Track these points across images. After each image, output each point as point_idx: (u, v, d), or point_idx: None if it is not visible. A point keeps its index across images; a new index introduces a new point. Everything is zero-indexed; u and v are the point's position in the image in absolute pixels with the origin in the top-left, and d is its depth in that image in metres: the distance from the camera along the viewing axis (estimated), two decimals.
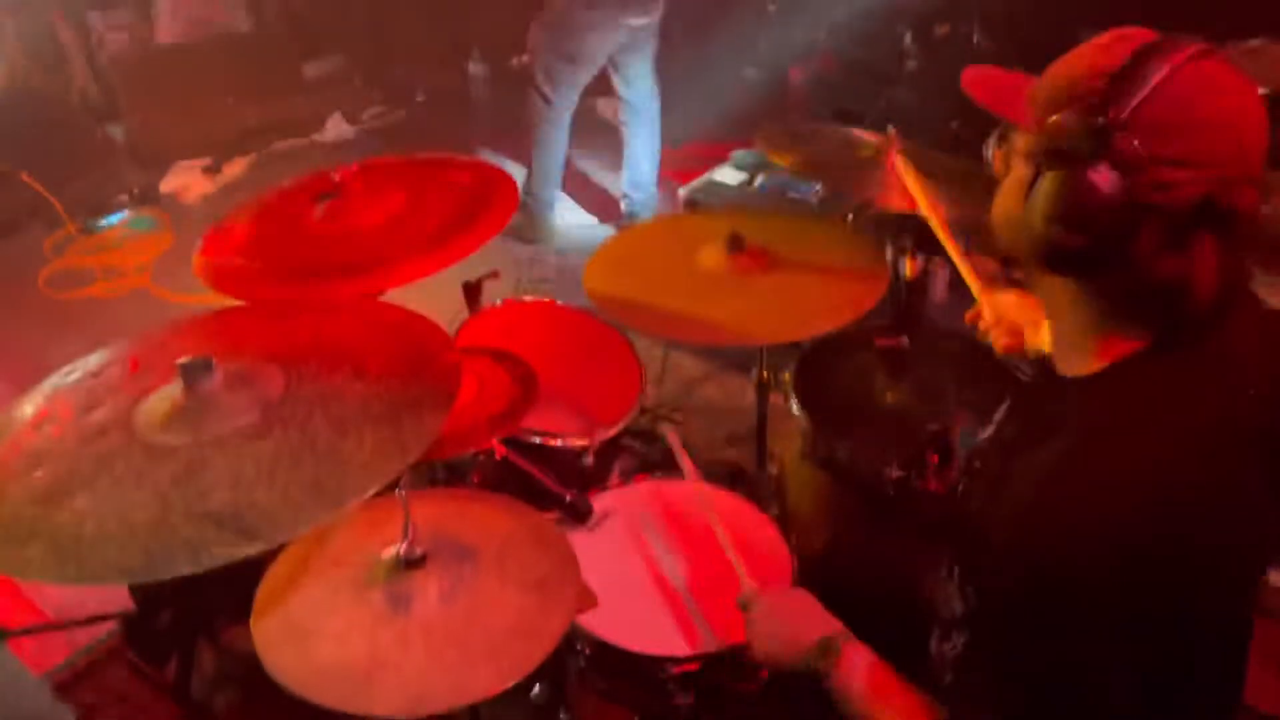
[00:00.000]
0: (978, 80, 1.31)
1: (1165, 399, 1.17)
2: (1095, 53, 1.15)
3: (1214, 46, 1.12)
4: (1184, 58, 1.10)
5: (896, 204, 2.19)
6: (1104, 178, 1.10)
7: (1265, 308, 1.31)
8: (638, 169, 4.48)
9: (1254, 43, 3.31)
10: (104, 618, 2.43)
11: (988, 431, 1.46)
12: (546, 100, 4.20)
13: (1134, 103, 1.10)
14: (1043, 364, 1.34)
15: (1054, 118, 1.15)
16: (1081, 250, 1.15)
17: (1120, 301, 1.19)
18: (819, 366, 2.36)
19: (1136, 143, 1.09)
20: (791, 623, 1.52)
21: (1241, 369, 1.20)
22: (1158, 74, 1.09)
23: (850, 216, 2.95)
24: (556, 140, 4.30)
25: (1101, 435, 1.16)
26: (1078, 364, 1.24)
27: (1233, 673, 1.35)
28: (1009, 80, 1.28)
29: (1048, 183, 1.16)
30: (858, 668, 1.39)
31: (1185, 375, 1.17)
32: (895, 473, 2.06)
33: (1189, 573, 1.13)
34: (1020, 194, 1.20)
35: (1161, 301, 1.15)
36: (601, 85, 4.90)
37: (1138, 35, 1.15)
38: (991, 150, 1.31)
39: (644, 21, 4.08)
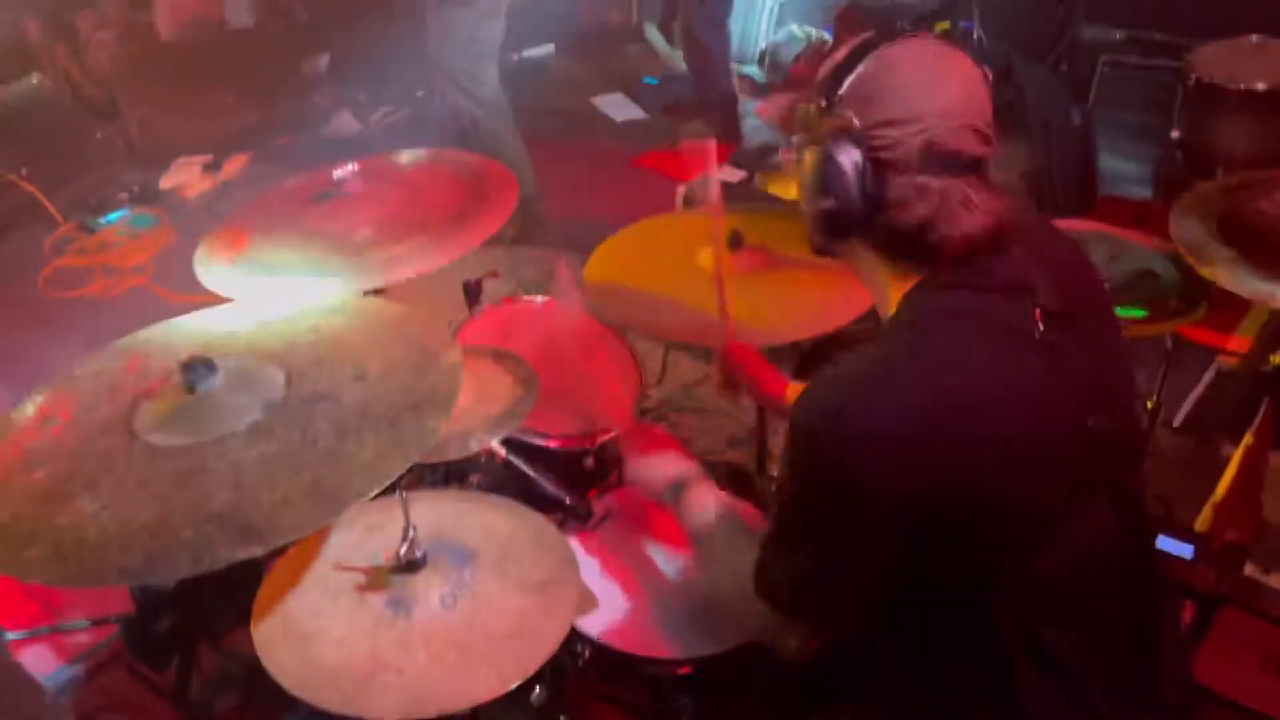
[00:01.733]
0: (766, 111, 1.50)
1: (953, 312, 1.31)
2: (836, 52, 1.37)
3: (925, 33, 1.36)
4: (888, 43, 1.32)
5: None
6: (841, 147, 1.29)
7: (1056, 232, 1.51)
8: None
9: (1254, 39, 3.32)
10: (104, 621, 2.43)
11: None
12: (481, 104, 4.17)
13: (845, 83, 1.32)
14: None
15: (798, 108, 1.38)
16: (844, 212, 1.31)
17: (893, 248, 1.34)
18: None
19: (852, 114, 1.29)
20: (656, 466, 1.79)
21: (1026, 286, 1.32)
22: (864, 58, 1.32)
23: None
24: (514, 134, 4.27)
25: (894, 345, 1.32)
26: (886, 308, 1.38)
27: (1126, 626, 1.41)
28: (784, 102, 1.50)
29: (806, 162, 1.35)
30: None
31: (972, 291, 1.31)
32: None
33: (1004, 478, 1.25)
34: (800, 180, 1.39)
35: (920, 240, 1.30)
36: (601, 85, 4.93)
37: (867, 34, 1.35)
38: (787, 159, 1.46)
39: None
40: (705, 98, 5.09)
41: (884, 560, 1.29)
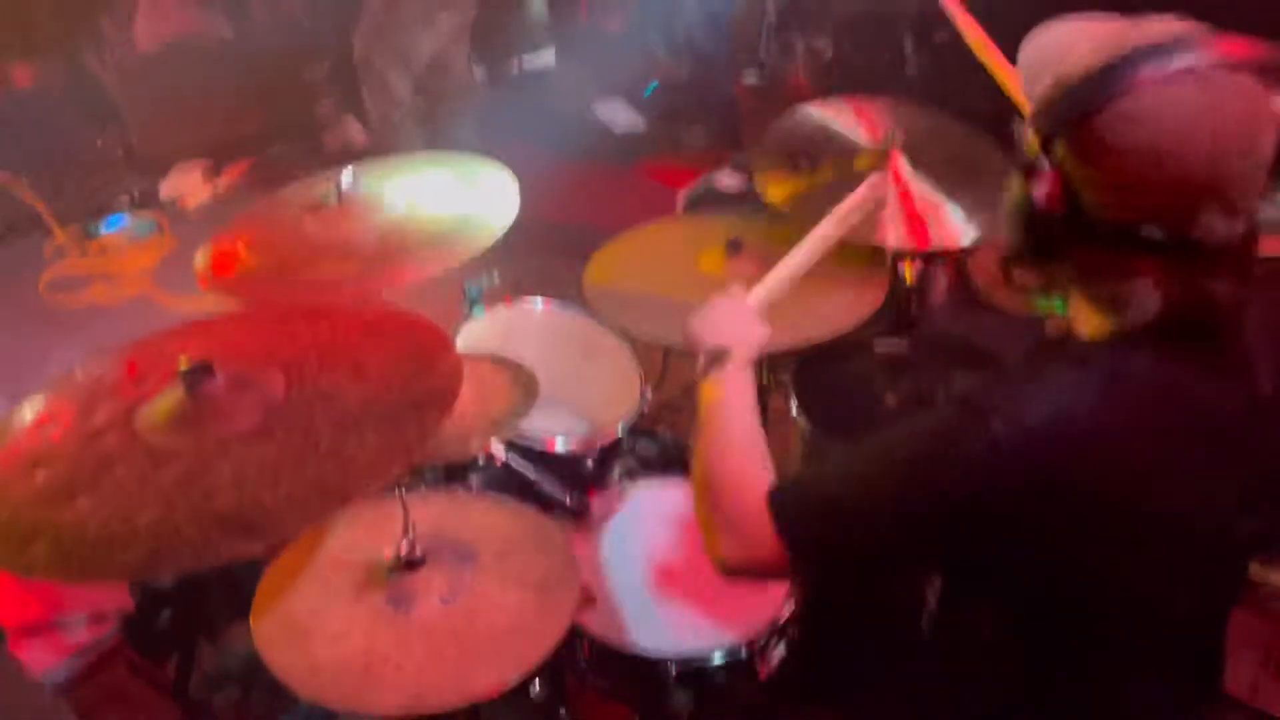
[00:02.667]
0: (1025, 55, 1.28)
1: (1152, 375, 1.17)
2: (1088, 52, 1.13)
3: (1228, 64, 1.08)
4: (1148, 78, 1.07)
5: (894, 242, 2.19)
6: (1044, 189, 1.14)
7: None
8: None
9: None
10: (104, 617, 2.43)
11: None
12: (396, 105, 4.17)
13: (1082, 118, 1.10)
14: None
15: (1026, 118, 1.18)
16: (1034, 249, 1.19)
17: (1088, 298, 1.21)
18: (818, 370, 2.36)
19: (1073, 159, 1.11)
20: (733, 315, 1.64)
21: (1241, 371, 1.20)
22: (1115, 90, 1.08)
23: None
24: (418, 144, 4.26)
25: (1087, 388, 1.18)
26: (1082, 327, 1.25)
27: (1193, 665, 1.35)
28: (1045, 57, 1.24)
29: (1012, 183, 1.20)
30: (733, 384, 1.50)
31: (1175, 371, 1.17)
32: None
33: (1125, 548, 1.16)
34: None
35: (1105, 308, 1.18)
36: (600, 87, 4.93)
37: (1134, 37, 1.12)
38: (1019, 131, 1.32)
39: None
40: (706, 104, 5.10)
41: (918, 540, 1.20)
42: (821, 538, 1.26)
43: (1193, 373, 1.17)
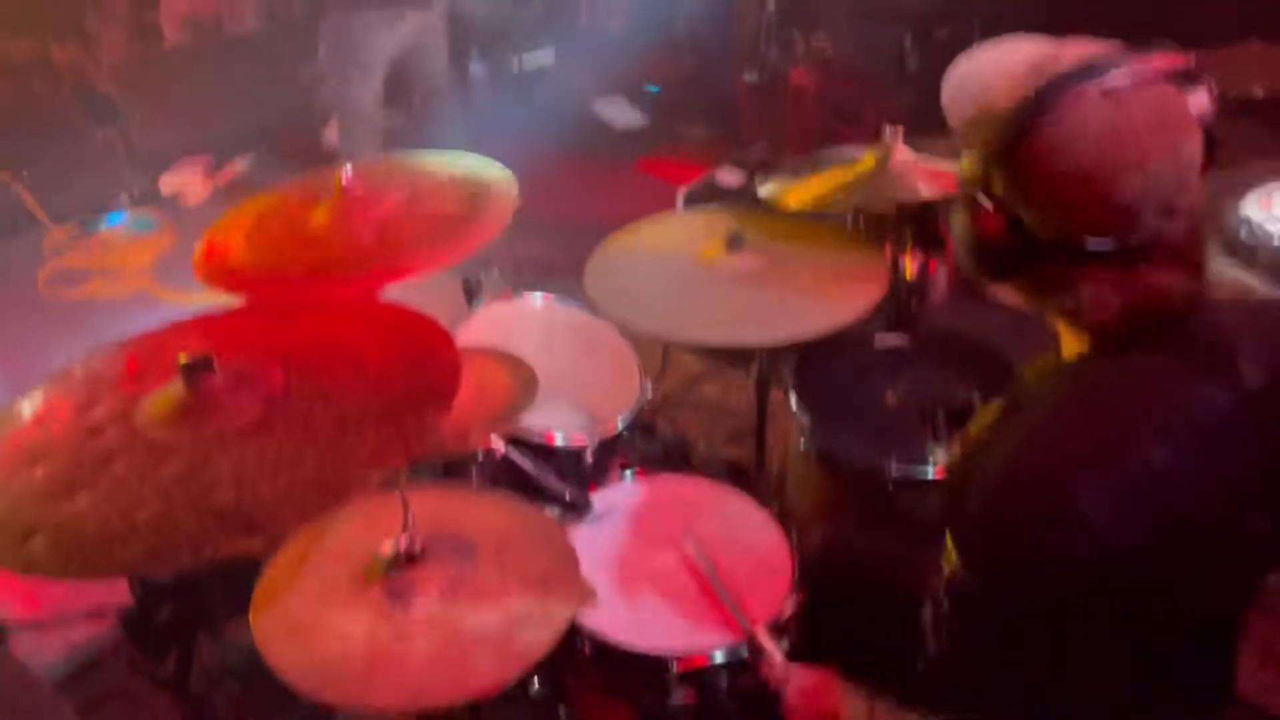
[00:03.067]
0: (951, 94, 1.32)
1: (1139, 383, 1.20)
2: (1007, 83, 1.18)
3: (1149, 75, 1.14)
4: (1070, 101, 1.13)
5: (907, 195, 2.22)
6: (982, 220, 1.20)
7: (1260, 306, 1.34)
8: None
9: (1250, 45, 3.32)
10: (103, 613, 2.43)
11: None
12: (350, 114, 4.15)
13: (1012, 148, 1.15)
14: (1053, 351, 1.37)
15: (964, 155, 1.23)
16: (986, 273, 1.24)
17: (1048, 313, 1.26)
18: (818, 364, 2.36)
19: (1010, 186, 1.17)
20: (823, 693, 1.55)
21: (1221, 367, 1.21)
22: (1039, 119, 1.13)
23: (850, 217, 2.95)
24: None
25: (1080, 415, 1.21)
26: (1067, 345, 1.29)
27: (1220, 665, 1.34)
28: (969, 96, 1.29)
29: (956, 215, 1.26)
30: None
31: (1153, 372, 1.20)
32: (894, 469, 2.07)
33: (1152, 563, 1.16)
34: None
35: (1068, 320, 1.23)
36: (600, 86, 4.93)
37: (1059, 61, 1.17)
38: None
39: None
40: (706, 101, 5.10)
41: None
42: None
43: (1178, 371, 1.20)
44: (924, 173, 2.25)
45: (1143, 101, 1.13)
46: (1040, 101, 1.13)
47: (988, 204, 1.19)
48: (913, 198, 2.23)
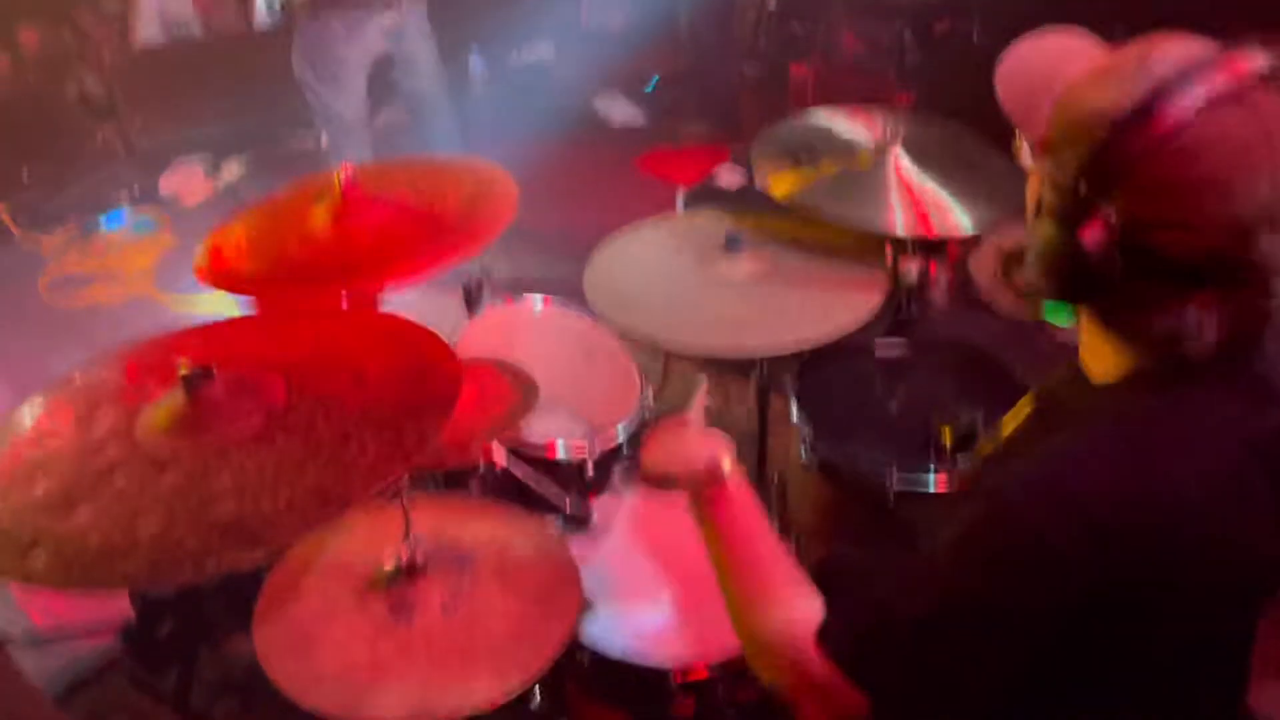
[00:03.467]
0: (1007, 76, 1.27)
1: (1187, 410, 1.15)
2: (1113, 85, 1.10)
3: (1255, 79, 1.06)
4: (1199, 103, 1.04)
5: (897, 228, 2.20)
6: (1092, 236, 1.08)
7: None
8: None
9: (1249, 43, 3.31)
10: (105, 627, 2.43)
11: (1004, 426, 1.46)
12: (329, 120, 4.11)
13: (1132, 158, 1.06)
14: (1063, 371, 1.33)
15: (1057, 158, 1.13)
16: (1076, 296, 1.16)
17: (1126, 338, 1.18)
18: (819, 372, 2.36)
19: (1128, 202, 1.06)
20: (689, 439, 1.50)
21: (1266, 390, 1.17)
22: (1163, 124, 1.04)
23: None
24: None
25: (1110, 435, 1.15)
26: (1100, 369, 1.23)
27: (1230, 691, 1.34)
28: (1033, 84, 1.23)
29: (1044, 227, 1.15)
30: (737, 505, 1.39)
31: (1206, 390, 1.15)
32: (895, 478, 2.07)
33: (1180, 591, 1.14)
34: (1031, 217, 1.20)
35: (1158, 346, 1.14)
36: (600, 85, 4.91)
37: (1165, 62, 1.08)
38: (1016, 144, 1.30)
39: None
40: (706, 96, 5.09)
41: (1031, 630, 1.13)
42: (900, 666, 1.17)
43: (1229, 402, 1.15)
44: (915, 200, 2.22)
45: (1265, 106, 1.05)
46: (1163, 106, 1.04)
47: (1097, 219, 1.08)
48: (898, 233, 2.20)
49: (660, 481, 1.50)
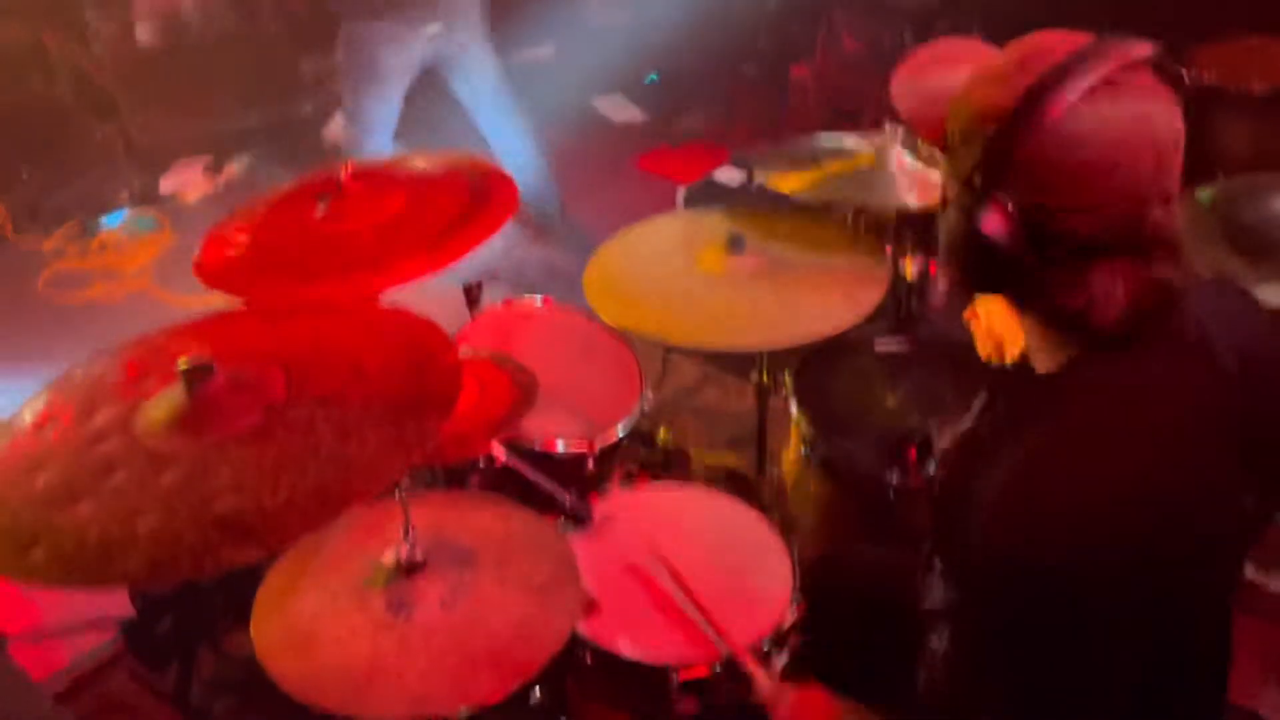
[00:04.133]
0: (901, 89, 1.38)
1: (1131, 393, 1.20)
2: (997, 83, 1.16)
3: (1123, 62, 1.12)
4: (1077, 94, 1.10)
5: (901, 203, 2.22)
6: (992, 224, 1.14)
7: (1218, 287, 1.39)
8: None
9: (1249, 41, 3.31)
10: (104, 624, 2.42)
11: (964, 425, 1.48)
12: (356, 124, 4.09)
13: (1020, 151, 1.12)
14: (1020, 360, 1.36)
15: (952, 156, 1.20)
16: (983, 284, 1.21)
17: (1049, 322, 1.23)
18: (819, 369, 2.36)
19: (1021, 191, 1.12)
20: (811, 711, 1.55)
21: (1203, 353, 1.22)
22: (1046, 116, 1.10)
23: (850, 218, 2.95)
24: None
25: (1074, 431, 1.19)
26: (1042, 361, 1.28)
27: (1216, 665, 1.35)
28: (928, 90, 1.31)
29: (949, 219, 1.22)
30: None
31: (1146, 368, 1.20)
32: (895, 477, 2.07)
33: (1163, 561, 1.15)
34: (940, 214, 1.26)
35: (1072, 321, 1.19)
36: (600, 83, 4.90)
37: (1042, 57, 1.14)
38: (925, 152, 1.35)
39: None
40: (706, 95, 5.09)
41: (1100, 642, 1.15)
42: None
43: (1164, 366, 1.20)
44: (921, 182, 2.25)
45: (1140, 89, 1.12)
46: (1046, 97, 1.10)
47: (996, 210, 1.14)
48: (909, 206, 2.22)
49: None
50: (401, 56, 3.94)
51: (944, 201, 1.25)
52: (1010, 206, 1.13)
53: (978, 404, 1.48)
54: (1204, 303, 1.26)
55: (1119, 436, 1.17)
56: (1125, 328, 1.17)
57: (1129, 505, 1.13)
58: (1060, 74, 1.11)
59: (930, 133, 1.28)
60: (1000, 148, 1.13)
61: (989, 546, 1.17)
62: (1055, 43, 1.16)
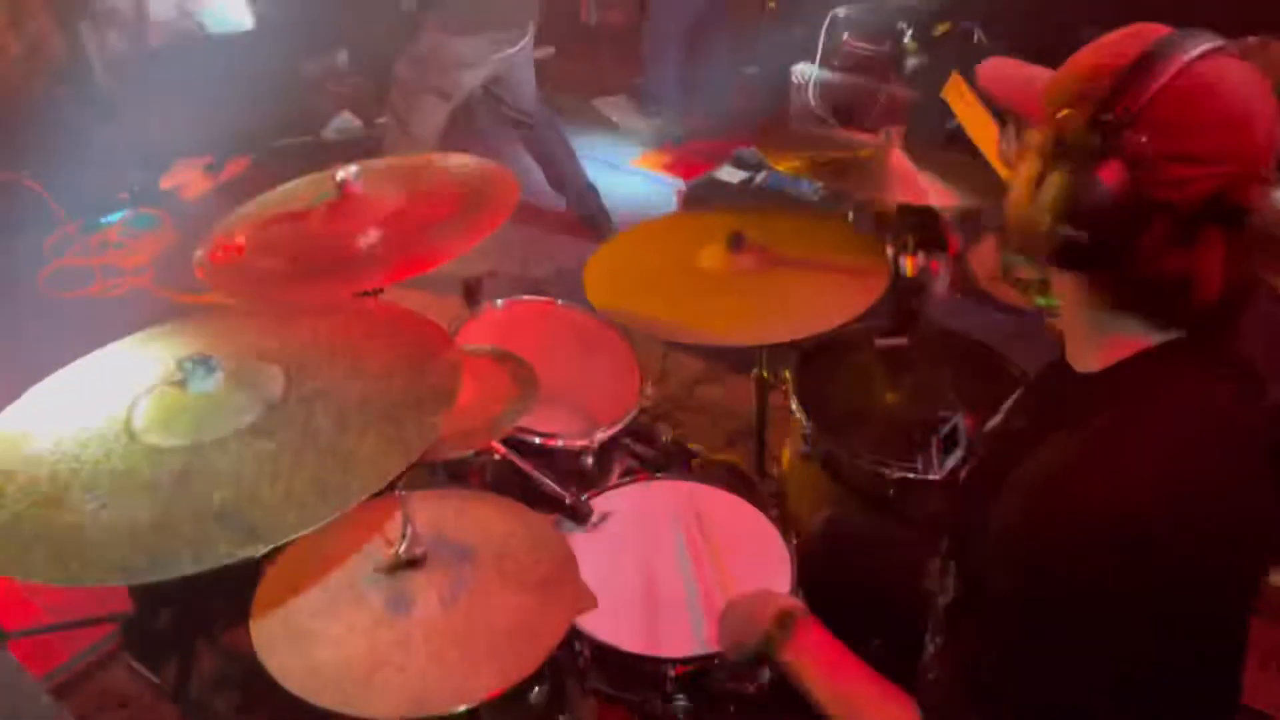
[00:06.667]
0: (993, 75, 1.32)
1: (1176, 397, 1.18)
2: (1107, 50, 1.16)
3: (1226, 43, 1.12)
4: (1195, 54, 1.10)
5: (897, 199, 2.22)
6: (1112, 174, 1.11)
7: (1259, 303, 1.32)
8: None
9: (1252, 40, 3.31)
10: (103, 620, 2.42)
11: (995, 421, 1.47)
12: (405, 131, 4.06)
13: (1143, 99, 1.10)
14: (1054, 358, 1.35)
15: (1063, 113, 1.16)
16: (1088, 246, 1.15)
17: (1127, 296, 1.19)
18: (819, 366, 2.36)
19: (1145, 139, 1.09)
20: (752, 603, 1.58)
21: (1254, 372, 1.20)
22: (1167, 70, 1.09)
23: (851, 215, 2.95)
24: None
25: (1112, 431, 1.17)
26: (1088, 360, 1.25)
27: (1231, 673, 1.34)
28: (1023, 74, 1.29)
29: (1056, 178, 1.16)
30: (812, 641, 1.45)
31: (1196, 374, 1.18)
32: (895, 472, 2.07)
33: (1190, 572, 1.13)
34: (1030, 190, 1.21)
35: (1167, 296, 1.16)
36: (600, 84, 4.89)
37: (1150, 32, 1.15)
38: (1008, 144, 1.33)
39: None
40: (706, 96, 5.09)
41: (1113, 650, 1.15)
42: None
43: (1220, 388, 1.18)
44: (921, 183, 2.24)
45: (1248, 62, 1.13)
46: (1164, 54, 1.10)
47: (1112, 163, 1.11)
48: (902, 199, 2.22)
49: (745, 652, 1.58)
50: (475, 75, 3.96)
51: (1038, 179, 1.20)
52: (1140, 153, 1.10)
53: (1010, 401, 1.47)
54: (1258, 330, 1.23)
55: (1156, 445, 1.14)
56: (1222, 304, 1.14)
57: (1159, 516, 1.11)
58: (1172, 40, 1.12)
59: (1028, 107, 1.25)
60: (1117, 100, 1.11)
61: (1014, 546, 1.16)
62: (1156, 28, 1.16)
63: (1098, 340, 1.23)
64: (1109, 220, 1.12)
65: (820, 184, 3.31)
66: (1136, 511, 1.10)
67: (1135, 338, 1.20)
